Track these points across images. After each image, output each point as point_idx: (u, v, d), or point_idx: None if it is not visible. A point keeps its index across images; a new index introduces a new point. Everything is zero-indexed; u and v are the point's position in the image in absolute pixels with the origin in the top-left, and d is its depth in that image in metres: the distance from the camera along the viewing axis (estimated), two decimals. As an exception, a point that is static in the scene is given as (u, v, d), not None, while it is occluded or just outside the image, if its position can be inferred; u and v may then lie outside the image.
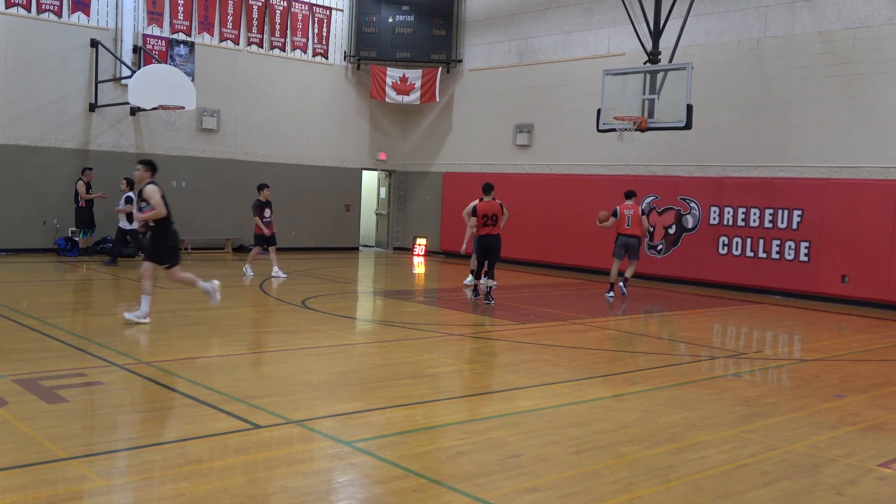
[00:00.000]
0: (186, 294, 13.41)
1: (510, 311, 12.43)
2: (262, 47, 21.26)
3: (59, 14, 18.13)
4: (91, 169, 17.92)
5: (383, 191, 24.77)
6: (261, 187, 16.04)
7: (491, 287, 13.20)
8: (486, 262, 13.21)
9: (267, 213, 15.78)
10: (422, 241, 23.33)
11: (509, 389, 7.53)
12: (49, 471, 4.86)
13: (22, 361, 7.67)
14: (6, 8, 17.43)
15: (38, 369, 7.34)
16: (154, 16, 19.46)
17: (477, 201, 13.43)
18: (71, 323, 10.17)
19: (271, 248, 15.95)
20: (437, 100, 22.54)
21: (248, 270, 15.95)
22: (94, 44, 18.47)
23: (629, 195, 15.15)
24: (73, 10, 18.29)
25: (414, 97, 22.57)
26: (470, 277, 15.00)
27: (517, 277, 17.84)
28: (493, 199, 13.30)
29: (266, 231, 15.74)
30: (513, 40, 21.55)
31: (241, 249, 20.99)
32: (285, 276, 15.79)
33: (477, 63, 22.45)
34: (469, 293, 14.31)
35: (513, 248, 19.98)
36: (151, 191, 9.86)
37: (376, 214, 24.95)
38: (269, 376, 7.61)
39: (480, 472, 5.16)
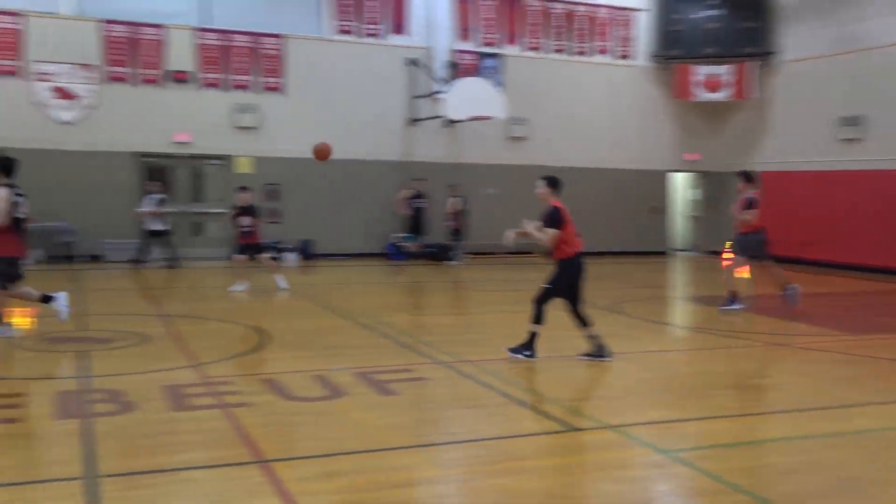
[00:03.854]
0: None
1: (833, 318, 11.38)
2: (566, 53, 21.56)
3: (379, 36, 19.89)
4: (416, 180, 19.33)
5: (695, 192, 23.87)
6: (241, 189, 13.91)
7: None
8: (575, 298, 8.17)
9: (246, 220, 13.46)
10: (735, 245, 22.12)
11: (843, 406, 6.89)
12: (379, 458, 5.27)
13: (358, 357, 8.40)
14: (339, 34, 19.52)
15: (372, 364, 7.99)
16: (464, 32, 20.58)
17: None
18: (399, 322, 10.97)
19: (260, 257, 13.68)
20: (751, 95, 21.33)
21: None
22: (411, 62, 19.93)
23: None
24: (394, 31, 19.99)
25: (725, 94, 21.57)
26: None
27: (843, 284, 16.28)
28: None
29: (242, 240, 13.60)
30: (834, 26, 19.76)
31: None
32: (286, 287, 13.59)
33: (795, 54, 20.88)
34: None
35: (839, 251, 18.45)
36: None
37: (689, 217, 24.05)
38: (582, 379, 7.64)
39: (813, 494, 4.77)
